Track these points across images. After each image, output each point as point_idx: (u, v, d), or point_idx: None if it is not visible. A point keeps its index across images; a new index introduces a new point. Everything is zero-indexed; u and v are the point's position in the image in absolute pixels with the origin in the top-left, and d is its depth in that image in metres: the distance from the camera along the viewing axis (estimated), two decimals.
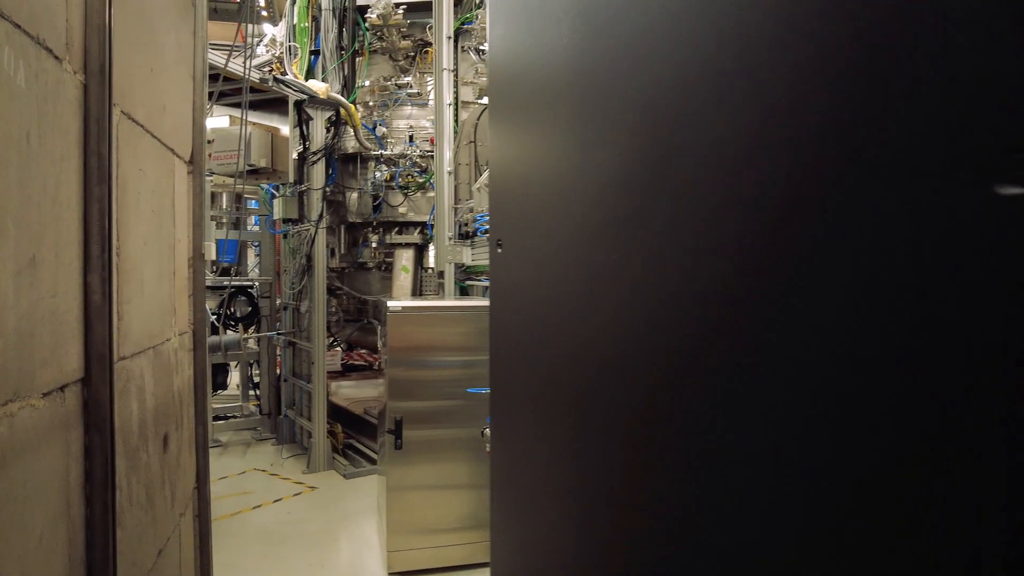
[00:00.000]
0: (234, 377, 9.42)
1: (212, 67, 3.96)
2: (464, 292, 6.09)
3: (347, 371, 9.66)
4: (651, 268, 0.73)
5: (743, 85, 0.60)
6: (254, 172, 6.18)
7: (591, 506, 0.88)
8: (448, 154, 5.83)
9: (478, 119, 6.25)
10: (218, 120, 6.17)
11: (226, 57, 4.45)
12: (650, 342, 0.73)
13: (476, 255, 5.71)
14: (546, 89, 1.09)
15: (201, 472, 3.18)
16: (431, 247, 7.89)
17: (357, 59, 8.06)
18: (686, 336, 0.66)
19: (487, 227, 3.71)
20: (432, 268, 7.95)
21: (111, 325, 1.77)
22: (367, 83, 8.05)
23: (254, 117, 6.26)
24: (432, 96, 7.89)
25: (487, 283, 5.35)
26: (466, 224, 5.80)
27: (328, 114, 6.47)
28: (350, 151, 7.95)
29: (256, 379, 8.60)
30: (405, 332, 4.13)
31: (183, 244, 3.07)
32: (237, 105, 6.35)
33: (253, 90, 6.01)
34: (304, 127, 6.41)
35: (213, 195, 7.65)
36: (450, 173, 5.82)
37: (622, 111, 0.82)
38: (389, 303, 4.11)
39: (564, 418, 0.99)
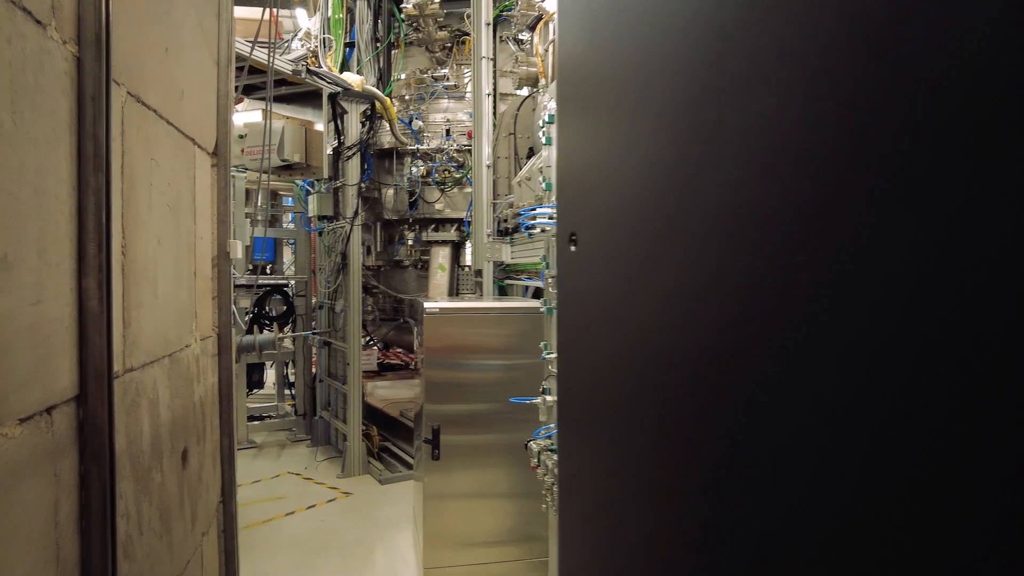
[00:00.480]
0: (271, 376, 9.37)
1: (239, 57, 3.78)
2: (503, 292, 5.82)
3: (383, 371, 9.52)
4: (760, 268, 0.61)
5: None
6: (288, 168, 6.02)
7: (689, 518, 0.79)
8: (487, 147, 5.57)
9: (518, 110, 5.96)
10: (250, 115, 6.03)
11: (251, 44, 4.26)
12: (760, 344, 0.64)
13: (516, 253, 5.43)
14: (641, 66, 0.86)
15: (227, 486, 2.98)
16: (468, 244, 7.66)
17: (393, 52, 7.88)
18: (801, 337, 0.57)
19: (531, 223, 3.42)
20: (469, 266, 7.72)
21: (110, 335, 1.54)
22: (402, 76, 7.86)
23: (287, 111, 6.11)
24: (469, 88, 7.66)
25: (528, 282, 5.07)
26: (505, 220, 5.52)
27: (363, 107, 6.28)
28: (386, 146, 7.78)
29: (292, 378, 8.52)
30: (443, 334, 3.89)
31: (206, 242, 2.87)
32: (274, 100, 6.21)
33: (286, 83, 5.85)
34: (339, 122, 6.23)
35: (248, 192, 7.55)
36: (489, 167, 5.56)
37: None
38: (426, 304, 3.87)
39: (654, 426, 0.88)
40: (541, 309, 3.83)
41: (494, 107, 6.41)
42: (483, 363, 3.96)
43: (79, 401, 1.48)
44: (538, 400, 3.18)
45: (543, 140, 3.34)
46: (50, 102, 1.36)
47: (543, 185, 3.33)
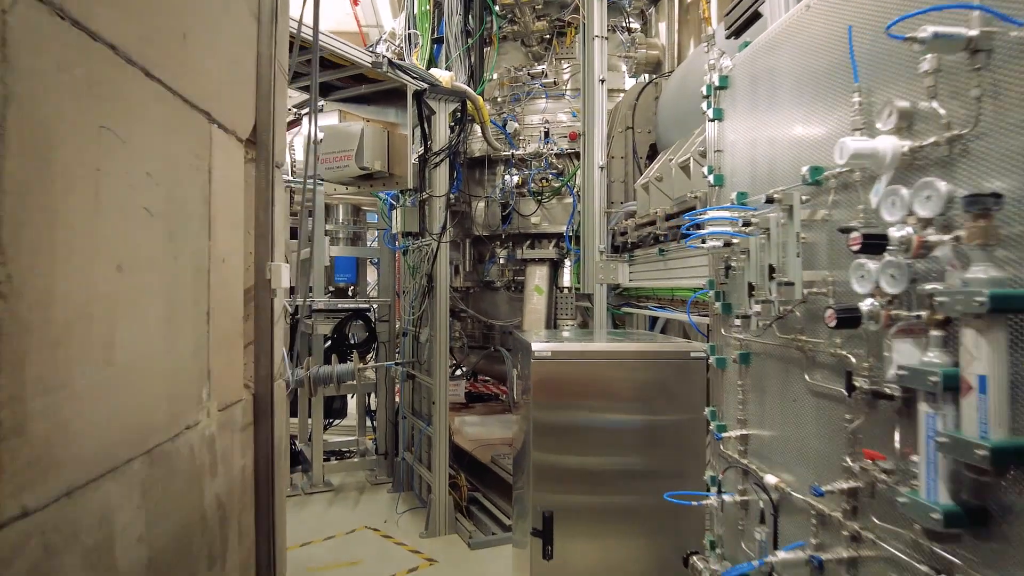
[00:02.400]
0: (354, 403, 8.72)
1: (305, 45, 3.00)
2: (616, 323, 4.78)
3: (471, 401, 8.66)
4: None
5: None
6: (368, 177, 5.29)
7: None
8: (599, 145, 4.58)
9: (637, 99, 4.95)
10: (328, 118, 5.36)
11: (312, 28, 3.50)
12: None
13: (637, 273, 4.40)
14: None
15: None
16: (566, 263, 6.68)
17: (485, 50, 7.09)
18: None
19: (698, 233, 2.37)
20: (568, 288, 6.73)
21: None
22: (494, 76, 7.05)
23: (366, 113, 5.40)
24: (569, 85, 6.73)
25: (659, 313, 4.02)
26: (623, 233, 4.50)
27: (452, 107, 5.47)
28: (476, 154, 6.96)
29: (375, 407, 7.81)
30: (554, 387, 2.91)
31: (234, 266, 2.01)
32: (352, 100, 5.54)
33: (365, 80, 5.13)
34: (425, 125, 5.46)
35: (328, 207, 6.95)
36: (602, 168, 4.56)
37: None
38: (534, 345, 2.90)
39: None
40: (702, 356, 2.76)
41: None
42: (607, 418, 2.94)
43: None
44: (710, 501, 2.11)
45: (709, 114, 2.31)
46: None
47: (709, 178, 2.28)
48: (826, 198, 1.57)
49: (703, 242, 2.19)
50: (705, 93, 2.32)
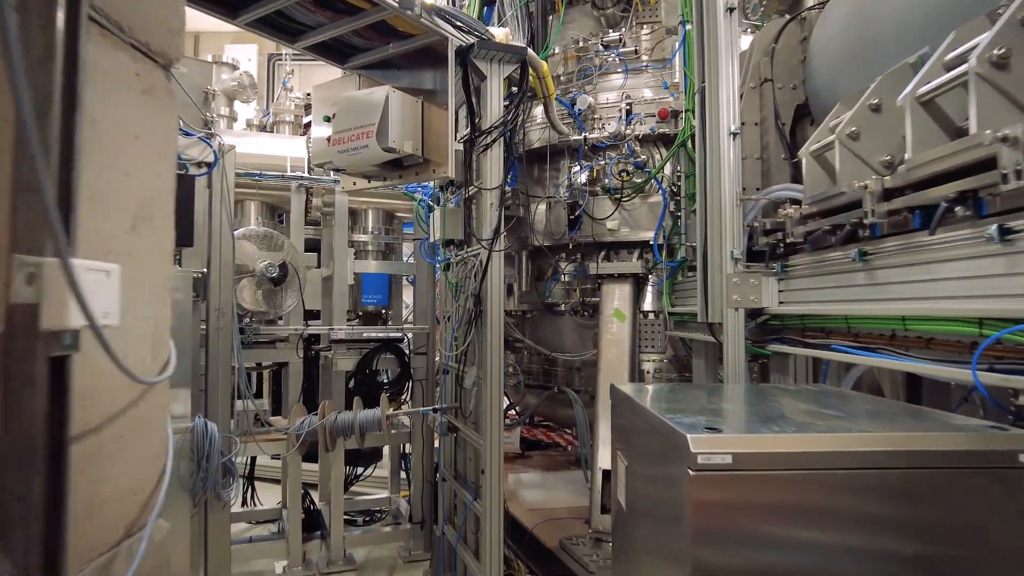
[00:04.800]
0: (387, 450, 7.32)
1: None
2: (758, 366, 3.23)
3: (528, 448, 7.17)
4: None
5: None
6: (396, 165, 3.93)
7: None
8: (728, 103, 3.10)
9: (775, 42, 3.45)
10: (341, 88, 4.06)
11: None
12: None
13: (794, 292, 2.88)
14: None
15: None
16: (650, 280, 5.18)
17: (548, 18, 5.74)
18: None
19: None
20: (654, 312, 5.22)
21: None
22: (556, 50, 5.68)
23: (391, 80, 4.06)
24: (652, 55, 5.29)
25: (856, 357, 2.45)
26: (768, 232, 2.99)
27: (508, 71, 4.09)
28: (535, 145, 5.57)
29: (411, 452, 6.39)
30: (738, 517, 1.42)
31: None
32: (377, 67, 4.22)
33: (394, 34, 3.80)
34: (473, 98, 4.10)
35: (354, 212, 5.66)
36: (734, 135, 3.07)
37: None
38: (692, 440, 1.42)
39: None
40: None
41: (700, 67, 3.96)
42: None
43: None
44: None
45: None
46: None
47: None
48: None
49: None
50: None
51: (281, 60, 8.28)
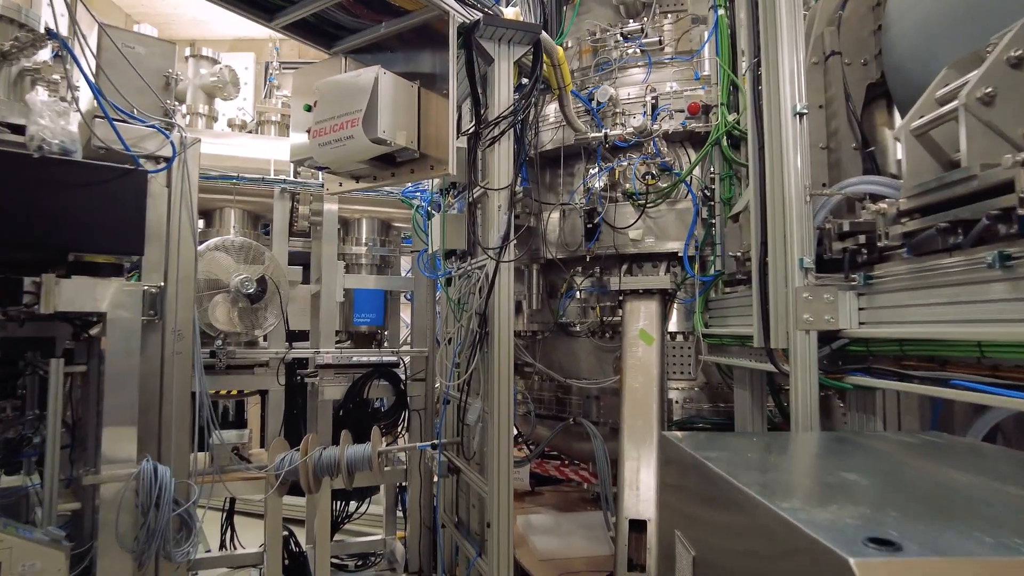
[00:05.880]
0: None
1: None
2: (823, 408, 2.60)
3: (539, 483, 6.50)
4: None
5: None
6: (388, 161, 3.35)
7: None
8: (792, 76, 2.52)
9: (842, 7, 2.86)
10: (323, 72, 3.51)
11: None
12: None
13: (884, 310, 2.27)
14: None
15: None
16: (678, 297, 4.57)
17: (562, 8, 5.21)
18: None
19: None
20: (683, 334, 4.60)
21: None
22: (569, 44, 5.14)
23: (385, 65, 3.50)
24: (676, 46, 4.73)
25: (995, 396, 1.82)
26: (845, 235, 2.39)
27: (519, 53, 3.53)
28: (547, 147, 5.01)
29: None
30: None
31: None
32: (367, 51, 3.66)
33: (387, 10, 3.26)
34: (478, 87, 3.53)
35: (345, 221, 5.09)
36: (800, 115, 2.47)
37: None
38: (853, 561, 0.82)
39: None
40: None
41: (732, 65, 3.40)
42: None
43: None
44: None
45: None
46: None
47: None
48: None
49: None
50: None
51: (272, 66, 7.77)
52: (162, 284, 3.18)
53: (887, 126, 2.89)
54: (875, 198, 2.50)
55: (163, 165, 3.12)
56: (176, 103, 4.59)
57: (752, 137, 2.76)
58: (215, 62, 4.86)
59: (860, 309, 2.39)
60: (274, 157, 4.76)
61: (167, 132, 3.08)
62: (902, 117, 2.64)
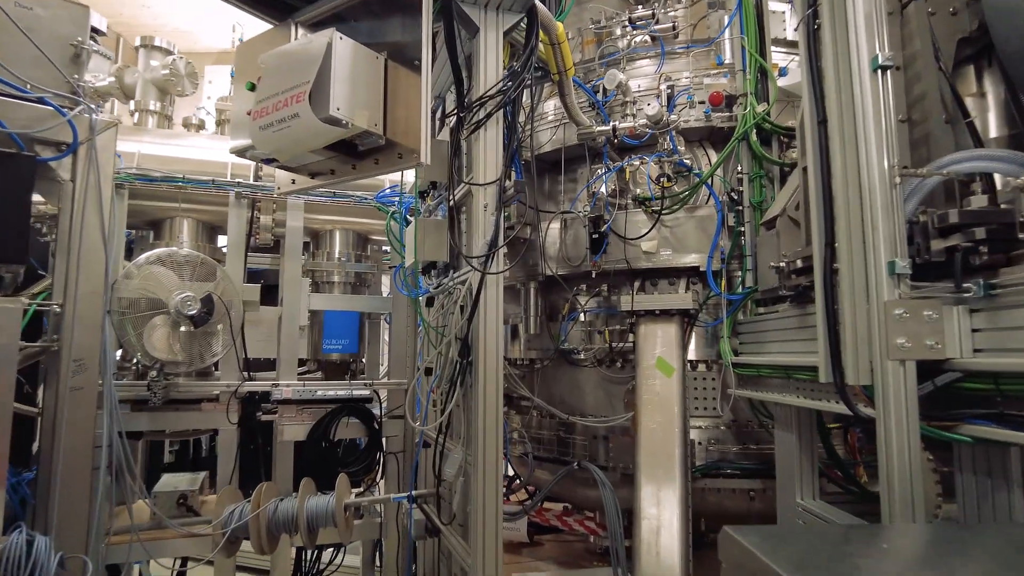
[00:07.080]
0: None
1: None
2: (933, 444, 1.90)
3: (538, 532, 5.74)
4: None
5: None
6: (346, 148, 2.71)
7: None
8: (870, 17, 1.88)
9: None
10: (269, 41, 2.92)
11: None
12: None
13: (1013, 331, 1.57)
14: None
15: None
16: (701, 319, 3.91)
17: None
18: None
19: None
20: (705, 363, 3.94)
21: None
22: (570, 35, 4.56)
23: (346, 34, 2.89)
24: (692, 33, 4.14)
25: None
26: (947, 230, 1.72)
27: (511, 22, 2.91)
28: (545, 149, 4.41)
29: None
30: None
31: None
32: (328, 23, 3.05)
33: None
34: (460, 70, 2.92)
35: (315, 234, 4.45)
36: (883, 69, 1.83)
37: None
38: None
39: None
40: None
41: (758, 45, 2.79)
42: None
43: None
44: None
45: None
46: None
47: None
48: None
49: None
50: None
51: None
52: (61, 303, 2.53)
53: (975, 96, 2.25)
54: (986, 180, 1.85)
55: (63, 152, 2.49)
56: (125, 96, 4.00)
57: (809, 106, 2.11)
58: (168, 53, 4.27)
59: (974, 331, 1.72)
60: (231, 160, 4.14)
61: (64, 111, 2.45)
62: (1011, 78, 2.00)
